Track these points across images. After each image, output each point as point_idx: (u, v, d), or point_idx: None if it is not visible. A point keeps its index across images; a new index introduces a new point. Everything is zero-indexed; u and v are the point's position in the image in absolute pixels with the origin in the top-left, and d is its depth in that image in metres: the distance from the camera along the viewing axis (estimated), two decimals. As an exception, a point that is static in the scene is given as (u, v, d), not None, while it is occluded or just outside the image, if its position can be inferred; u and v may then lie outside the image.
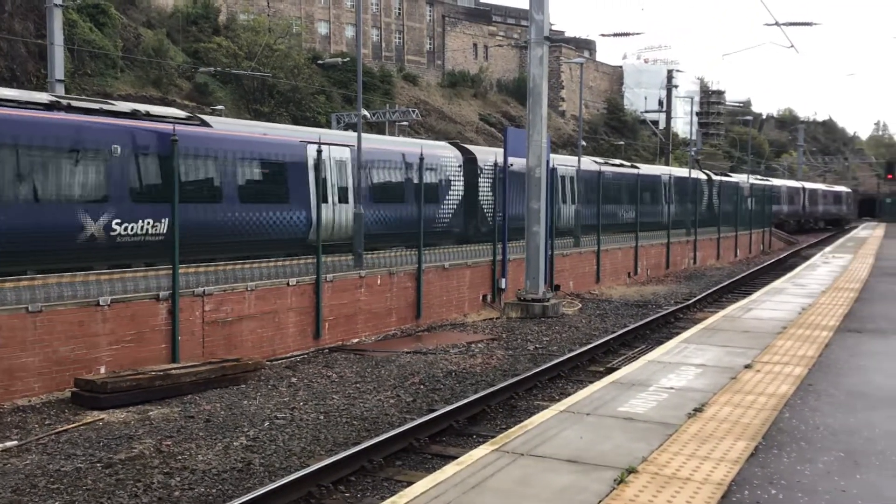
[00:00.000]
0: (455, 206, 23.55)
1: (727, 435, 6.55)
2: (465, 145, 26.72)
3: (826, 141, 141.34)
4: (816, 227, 72.04)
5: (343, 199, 19.88)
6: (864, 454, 6.11)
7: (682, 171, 41.97)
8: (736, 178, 51.08)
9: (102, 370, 12.11)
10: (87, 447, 9.55)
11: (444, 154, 23.60)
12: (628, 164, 38.33)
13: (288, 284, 15.27)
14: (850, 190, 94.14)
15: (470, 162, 24.68)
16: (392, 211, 21.07)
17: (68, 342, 11.78)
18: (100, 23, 43.57)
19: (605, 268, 26.71)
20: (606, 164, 34.63)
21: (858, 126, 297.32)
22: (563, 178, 27.87)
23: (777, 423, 6.88)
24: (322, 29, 72.40)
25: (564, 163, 29.41)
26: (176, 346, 13.08)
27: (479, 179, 24.53)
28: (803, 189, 68.34)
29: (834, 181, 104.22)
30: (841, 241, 40.63)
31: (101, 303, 12.18)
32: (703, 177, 43.95)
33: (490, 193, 24.19)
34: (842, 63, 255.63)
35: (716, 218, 39.65)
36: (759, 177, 60.68)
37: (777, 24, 28.54)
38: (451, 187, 23.31)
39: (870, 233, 47.78)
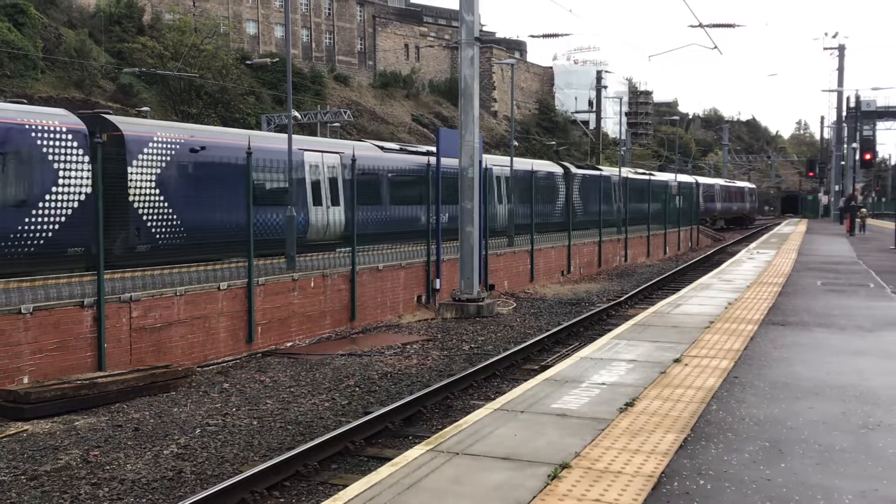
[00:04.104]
0: (72, 212, 16.04)
1: (657, 428, 6.67)
2: (109, 116, 18.47)
3: (750, 140, 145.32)
4: (715, 226, 65.95)
5: None
6: (788, 443, 6.29)
7: (527, 164, 33.31)
8: (608, 171, 45.07)
9: (25, 380, 11.73)
10: (10, 459, 9.24)
11: (40, 124, 15.69)
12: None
13: (219, 289, 15.00)
14: (753, 185, 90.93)
15: (113, 143, 16.82)
16: None
17: (-12, 352, 11.37)
18: (19, 23, 42.37)
19: (538, 267, 26.95)
20: (403, 149, 27.55)
21: (781, 125, 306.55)
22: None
23: (705, 416, 7.04)
24: (251, 29, 71.51)
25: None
26: (102, 354, 12.73)
27: (132, 169, 17.17)
28: (696, 184, 61.67)
29: (758, 179, 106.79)
30: (765, 237, 41.79)
31: (23, 310, 11.78)
32: (559, 170, 37.60)
33: (157, 190, 17.71)
34: (764, 64, 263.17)
35: (576, 217, 31.99)
36: (641, 170, 56.22)
37: (701, 25, 29.20)
38: (62, 182, 15.94)
39: (793, 229, 49.24)
